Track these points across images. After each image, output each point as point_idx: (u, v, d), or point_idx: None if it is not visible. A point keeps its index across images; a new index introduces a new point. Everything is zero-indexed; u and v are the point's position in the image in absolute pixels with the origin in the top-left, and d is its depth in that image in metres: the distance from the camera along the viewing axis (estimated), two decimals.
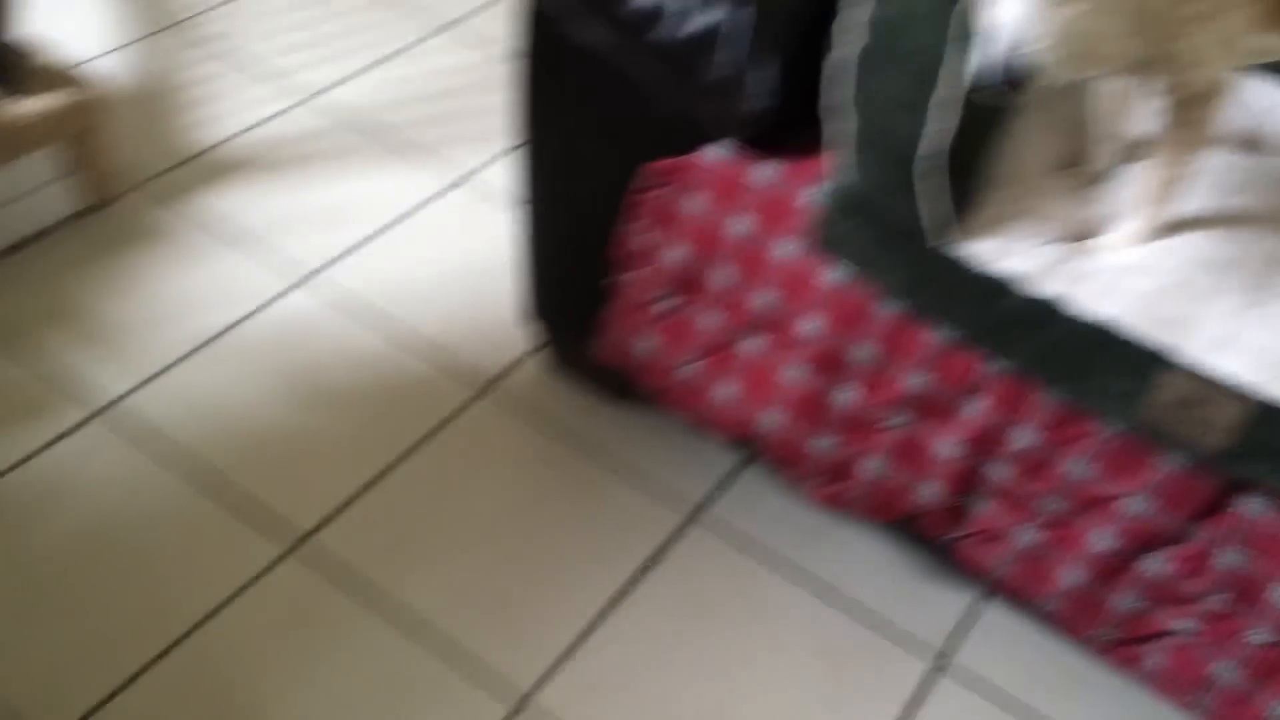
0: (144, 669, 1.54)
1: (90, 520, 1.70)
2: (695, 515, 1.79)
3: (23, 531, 1.68)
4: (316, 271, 2.11)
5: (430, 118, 2.48)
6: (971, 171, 1.36)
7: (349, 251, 2.16)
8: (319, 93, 2.51)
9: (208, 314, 2.02)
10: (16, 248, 2.10)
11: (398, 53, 2.66)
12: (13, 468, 1.76)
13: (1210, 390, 1.17)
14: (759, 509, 1.80)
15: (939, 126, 1.26)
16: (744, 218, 1.47)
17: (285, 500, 1.75)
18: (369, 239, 2.19)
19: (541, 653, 1.61)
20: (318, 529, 1.72)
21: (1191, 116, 1.23)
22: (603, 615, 1.66)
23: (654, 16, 1.46)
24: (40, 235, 2.13)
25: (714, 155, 1.50)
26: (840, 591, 1.71)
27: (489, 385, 1.95)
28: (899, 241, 1.33)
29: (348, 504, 1.76)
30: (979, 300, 1.28)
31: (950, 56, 1.24)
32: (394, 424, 1.87)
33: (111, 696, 1.51)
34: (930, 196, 1.28)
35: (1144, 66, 1.23)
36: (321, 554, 1.69)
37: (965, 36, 1.16)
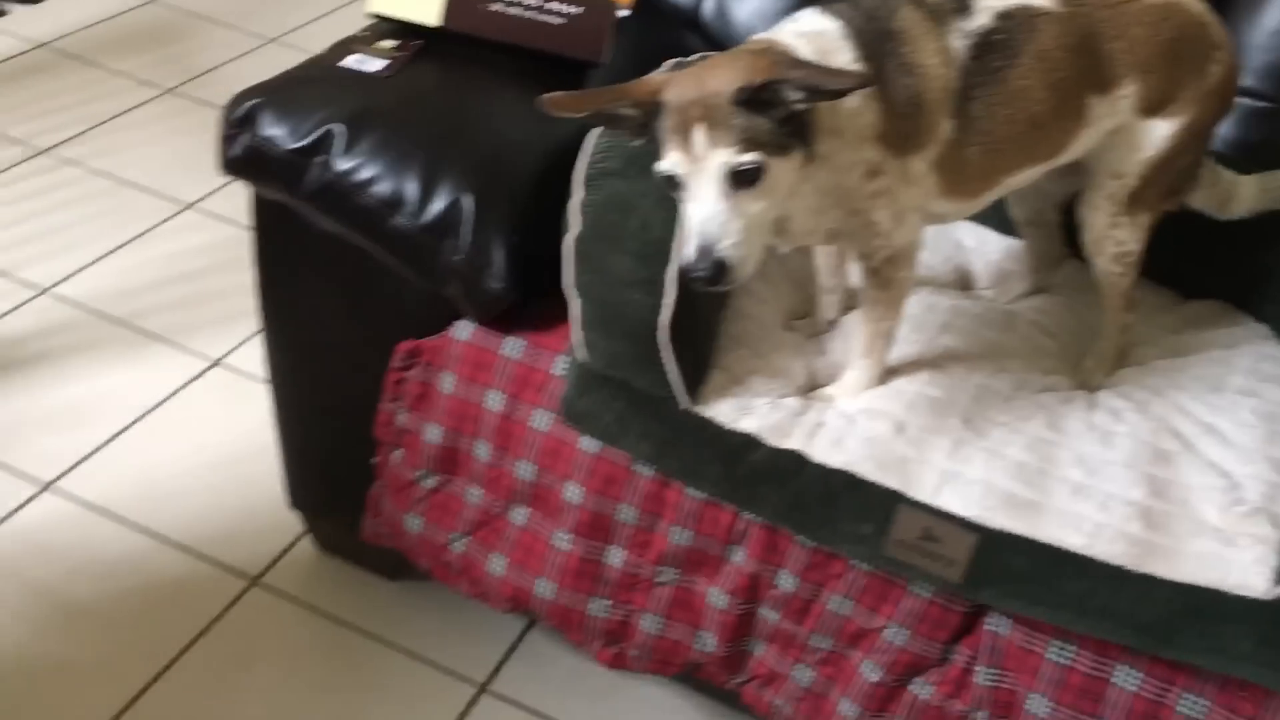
0: None
1: None
2: (485, 688, 1.76)
3: None
4: (58, 478, 1.99)
5: (173, 303, 2.40)
6: (709, 334, 1.43)
7: (94, 453, 2.05)
8: (51, 286, 2.40)
9: None
10: None
11: (134, 239, 2.56)
12: None
13: (942, 526, 1.25)
14: (548, 674, 1.78)
15: (671, 299, 1.32)
16: (497, 393, 1.49)
17: None
18: (115, 437, 2.08)
19: None
20: None
21: (887, 277, 1.33)
22: None
23: (394, 204, 1.48)
24: None
25: (464, 333, 1.52)
26: None
27: (258, 577, 1.87)
28: (645, 410, 1.37)
29: None
30: (725, 460, 1.34)
31: (675, 233, 1.31)
32: (154, 633, 1.76)
33: None
34: (671, 364, 1.33)
35: (838, 237, 1.34)
36: None
37: (680, 218, 1.23)
